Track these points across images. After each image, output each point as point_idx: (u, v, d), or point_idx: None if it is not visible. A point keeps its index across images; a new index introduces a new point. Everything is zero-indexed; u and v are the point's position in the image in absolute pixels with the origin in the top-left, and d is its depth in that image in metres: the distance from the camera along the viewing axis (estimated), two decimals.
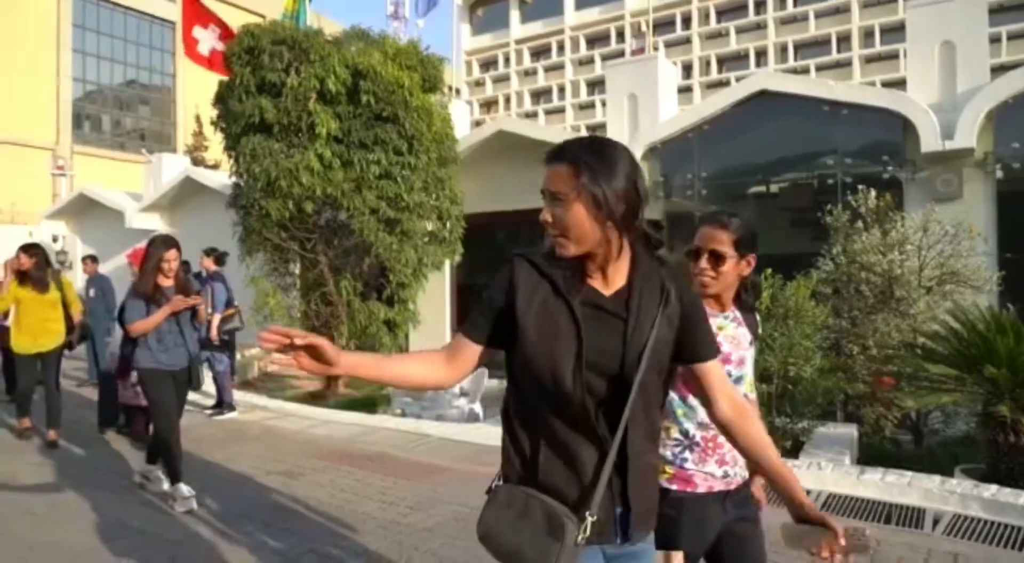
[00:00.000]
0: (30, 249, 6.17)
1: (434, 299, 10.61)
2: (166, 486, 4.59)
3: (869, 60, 25.56)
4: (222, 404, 7.63)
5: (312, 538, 3.90)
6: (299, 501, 4.57)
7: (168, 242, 4.55)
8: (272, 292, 8.94)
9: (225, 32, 10.55)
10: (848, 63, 25.22)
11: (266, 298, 8.66)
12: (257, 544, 3.82)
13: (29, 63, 32.21)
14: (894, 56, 24.53)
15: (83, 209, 17.61)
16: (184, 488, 4.38)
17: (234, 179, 8.89)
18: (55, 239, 18.67)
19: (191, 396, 8.78)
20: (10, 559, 3.64)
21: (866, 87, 9.35)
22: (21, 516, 4.30)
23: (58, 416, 6.17)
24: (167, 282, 4.52)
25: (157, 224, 15.58)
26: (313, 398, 8.92)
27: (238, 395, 8.18)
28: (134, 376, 6.20)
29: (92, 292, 8.97)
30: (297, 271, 9.67)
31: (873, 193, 6.25)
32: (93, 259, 9.48)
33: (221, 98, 8.61)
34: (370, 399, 8.78)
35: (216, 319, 7.44)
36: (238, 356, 9.27)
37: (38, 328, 6.15)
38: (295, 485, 4.95)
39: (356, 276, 8.84)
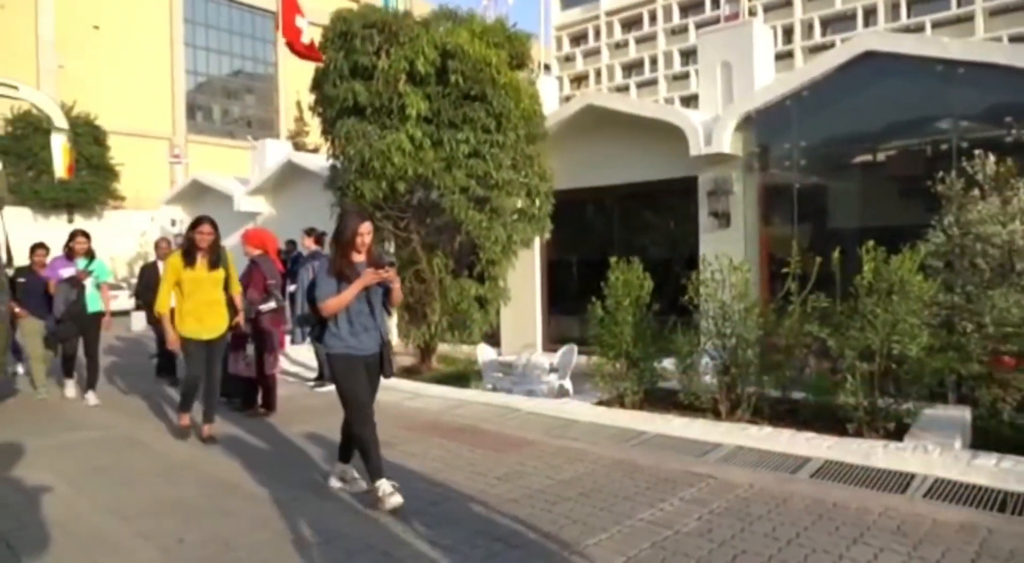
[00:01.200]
0: (205, 221, 5.55)
1: (524, 276, 10.69)
2: (365, 484, 4.25)
3: (994, 13, 23.40)
4: (323, 376, 8.00)
5: (405, 504, 4.06)
6: (392, 470, 4.74)
7: (362, 214, 4.08)
8: None
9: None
10: (970, 18, 23.22)
11: None
12: (350, 509, 4.01)
13: (146, 59, 34.47)
14: (1022, 7, 22.36)
15: (197, 194, 18.75)
16: (387, 484, 3.94)
17: (331, 161, 9.22)
18: (173, 223, 20.02)
19: (292, 367, 9.26)
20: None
21: (986, 43, 8.62)
22: (219, 516, 4.14)
23: (214, 409, 5.79)
24: (359, 257, 4.05)
25: (262, 207, 16.40)
26: (408, 373, 9.21)
27: None
28: (249, 349, 6.62)
29: None
30: (392, 250, 9.97)
31: (992, 158, 5.78)
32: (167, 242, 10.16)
33: (317, 83, 8.93)
34: (462, 374, 8.98)
35: None
36: None
37: (204, 310, 5.55)
38: (388, 455, 5.13)
39: (447, 254, 9.02)
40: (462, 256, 9.29)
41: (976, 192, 5.73)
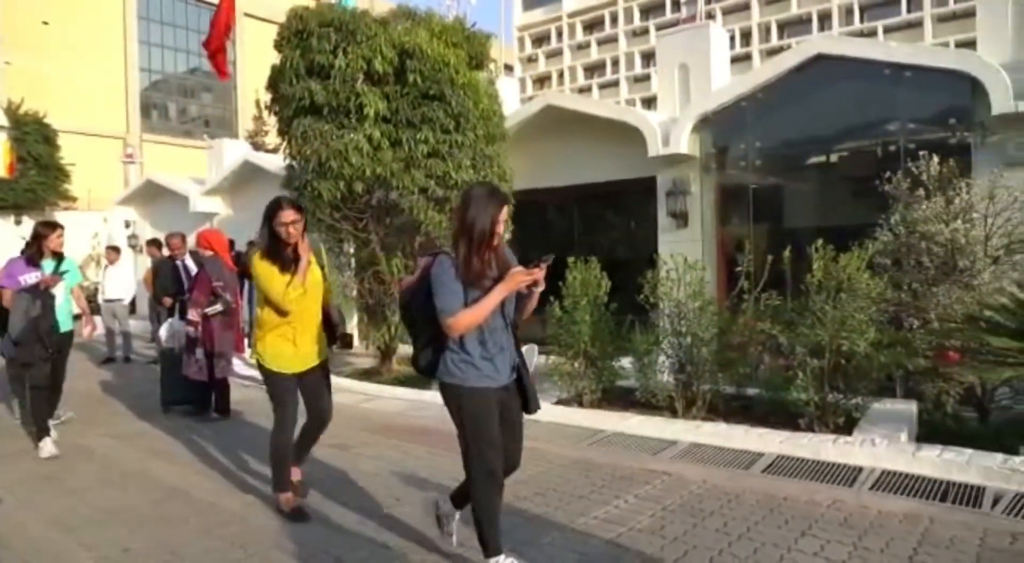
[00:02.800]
0: (288, 204, 3.84)
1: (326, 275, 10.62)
2: (455, 541, 3.39)
3: (942, 19, 24.17)
4: None
5: (357, 507, 4.02)
6: (345, 472, 4.71)
7: (499, 195, 2.92)
8: (327, 272, 9.07)
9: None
10: (919, 23, 23.95)
11: None
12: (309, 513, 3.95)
13: (99, 56, 33.58)
14: (969, 14, 23.14)
15: (151, 195, 18.33)
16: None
17: (288, 161, 9.09)
18: (127, 224, 19.54)
19: (249, 370, 9.13)
20: None
21: (931, 48, 8.87)
22: (166, 524, 4.31)
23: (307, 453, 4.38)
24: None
25: (219, 207, 16.11)
26: (368, 375, 9.12)
27: None
28: (200, 352, 6.46)
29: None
30: (351, 251, 9.86)
31: (936, 159, 5.95)
32: (156, 243, 9.89)
33: (273, 82, 8.78)
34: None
35: None
36: None
37: (300, 329, 3.90)
38: (345, 457, 5.10)
39: (407, 255, 8.95)
40: (421, 257, 9.22)
41: (921, 192, 5.89)
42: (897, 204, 6.05)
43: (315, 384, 4.04)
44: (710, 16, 23.85)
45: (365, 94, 7.97)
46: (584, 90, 30.67)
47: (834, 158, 8.58)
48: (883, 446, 4.66)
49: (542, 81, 34.24)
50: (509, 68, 25.96)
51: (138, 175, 25.83)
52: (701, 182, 9.01)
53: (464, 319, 2.79)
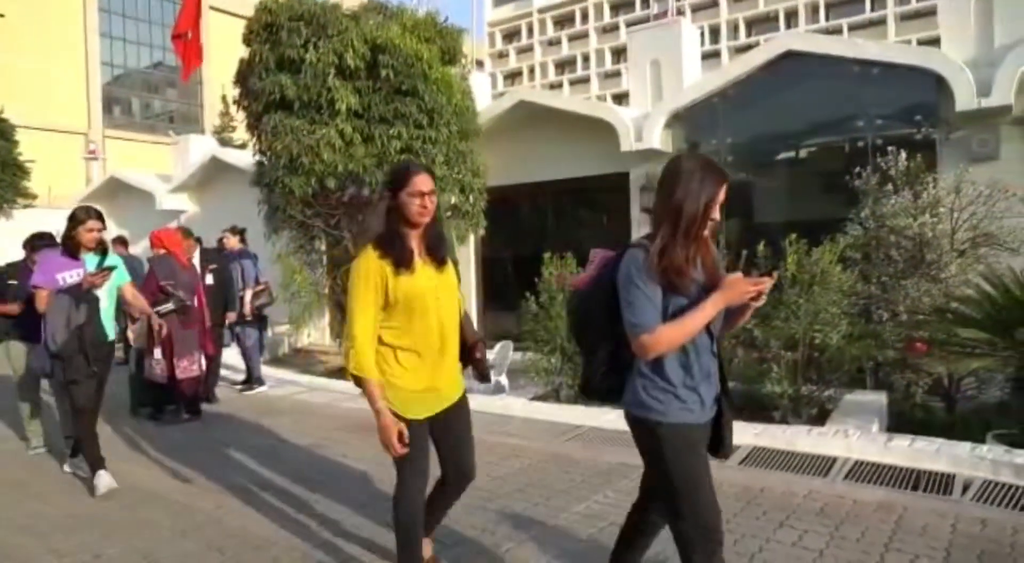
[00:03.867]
0: (419, 169, 2.70)
1: (461, 273, 10.62)
2: None
3: (904, 17, 24.69)
4: (251, 379, 7.77)
5: (336, 507, 3.97)
6: (324, 472, 4.65)
7: (720, 171, 2.24)
8: (299, 269, 9.02)
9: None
10: (882, 21, 24.43)
11: (293, 275, 8.76)
12: (283, 514, 3.90)
13: (59, 50, 32.72)
14: (931, 12, 23.69)
15: (115, 192, 17.92)
16: None
17: (258, 157, 8.94)
18: None
19: (220, 371, 8.98)
20: None
21: (897, 45, 9.03)
22: (139, 528, 4.20)
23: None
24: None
25: (186, 205, 15.81)
26: (342, 373, 9.03)
27: (269, 371, 8.32)
28: (158, 352, 6.22)
29: None
30: (323, 247, 9.76)
31: (904, 155, 6.07)
32: (122, 241, 9.67)
33: (242, 77, 8.62)
34: None
35: (248, 294, 7.61)
36: (268, 333, 9.41)
37: (435, 350, 2.75)
38: (321, 457, 5.04)
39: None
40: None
41: (890, 187, 6.00)
42: (866, 199, 6.16)
43: (456, 427, 2.87)
44: (680, 13, 24.03)
45: (337, 89, 7.87)
46: (555, 86, 30.73)
47: (804, 153, 8.70)
48: (856, 437, 4.74)
49: (513, 77, 34.22)
50: (480, 64, 25.88)
51: (101, 172, 25.26)
52: None
53: (665, 337, 2.09)
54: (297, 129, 7.93)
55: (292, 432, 5.79)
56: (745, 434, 5.03)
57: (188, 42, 12.04)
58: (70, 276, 4.38)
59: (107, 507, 4.10)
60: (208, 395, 6.97)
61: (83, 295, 4.35)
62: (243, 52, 8.66)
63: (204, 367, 6.43)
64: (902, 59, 7.48)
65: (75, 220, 4.41)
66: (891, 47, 8.42)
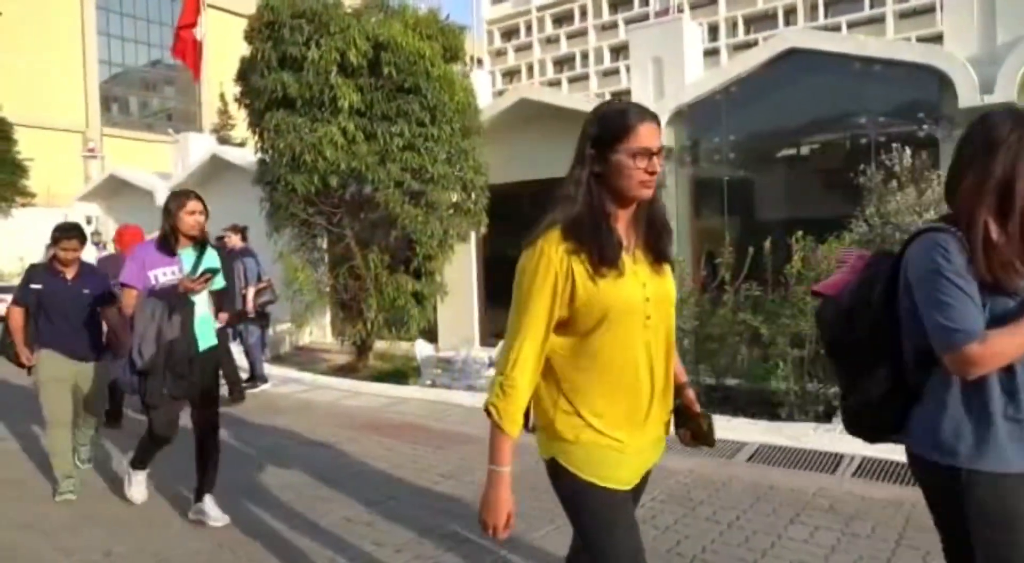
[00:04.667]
0: (649, 117, 1.74)
1: (460, 270, 10.62)
2: None
3: (903, 15, 24.71)
4: (254, 377, 7.75)
5: (345, 506, 3.97)
6: (331, 471, 4.65)
7: None
8: (301, 267, 9.02)
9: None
10: (881, 19, 24.44)
11: (295, 273, 8.75)
12: (292, 513, 3.89)
13: (57, 48, 32.63)
14: (930, 10, 23.71)
15: (114, 190, 17.90)
16: None
17: (259, 155, 8.93)
18: (88, 221, 19.05)
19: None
20: None
21: (900, 42, 9.04)
22: (148, 527, 4.21)
23: None
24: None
25: None
26: (344, 371, 9.03)
27: (270, 369, 8.31)
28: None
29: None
30: (325, 246, 9.74)
31: (908, 152, 6.06)
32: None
33: (243, 74, 8.61)
34: (400, 371, 8.87)
35: (251, 292, 7.57)
36: (270, 331, 9.39)
37: (643, 384, 1.76)
38: (327, 455, 5.03)
39: (383, 249, 8.87)
40: (398, 251, 9.15)
41: (894, 184, 6.00)
42: (871, 196, 6.16)
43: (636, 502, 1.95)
44: (679, 10, 24.05)
45: (339, 86, 7.86)
46: (553, 84, 30.66)
47: (806, 151, 8.70)
48: None
49: (511, 75, 34.17)
50: (479, 62, 25.82)
51: (100, 170, 25.21)
52: (676, 175, 9.07)
53: (998, 347, 1.50)
54: (299, 127, 7.93)
55: (296, 430, 5.78)
56: (752, 431, 5.04)
57: (189, 43, 12.01)
58: (164, 274, 3.64)
59: (113, 506, 4.09)
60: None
61: (178, 300, 3.53)
62: (241, 50, 8.65)
63: None
64: (905, 56, 7.48)
65: (175, 202, 3.66)
66: (894, 44, 8.43)
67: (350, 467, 4.71)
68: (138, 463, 4.06)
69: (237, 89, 8.92)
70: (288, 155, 7.95)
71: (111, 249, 11.86)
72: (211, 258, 3.79)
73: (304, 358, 10.40)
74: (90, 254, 15.94)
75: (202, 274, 3.59)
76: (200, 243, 3.76)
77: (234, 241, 7.92)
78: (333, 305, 9.98)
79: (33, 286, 4.34)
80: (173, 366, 3.50)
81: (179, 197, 3.68)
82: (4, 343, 4.53)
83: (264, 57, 8.04)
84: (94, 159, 27.38)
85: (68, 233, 4.30)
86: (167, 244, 3.66)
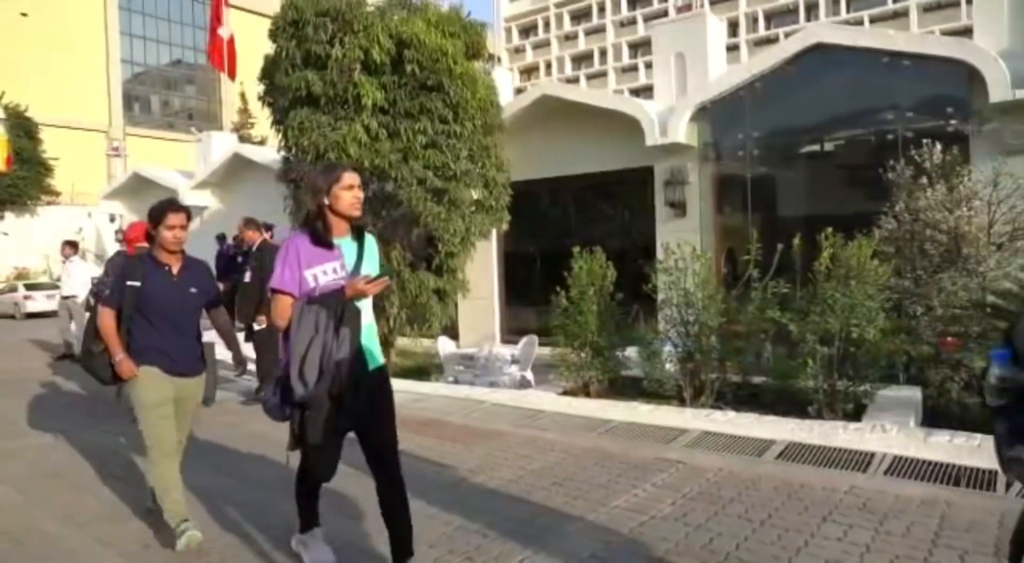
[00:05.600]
0: None
1: (482, 267, 10.64)
2: None
3: (927, 9, 24.32)
4: (263, 379, 7.78)
5: (374, 502, 3.98)
6: (356, 465, 4.66)
7: None
8: None
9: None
10: (905, 13, 24.09)
11: None
12: (326, 506, 3.91)
13: (80, 48, 33.07)
14: (954, 4, 23.33)
15: (138, 188, 18.11)
16: None
17: (283, 153, 8.99)
18: (112, 219, 19.32)
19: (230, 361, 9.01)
20: None
21: (929, 36, 8.91)
22: None
23: None
24: None
25: (209, 201, 15.95)
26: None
27: None
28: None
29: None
30: None
31: (939, 147, 5.99)
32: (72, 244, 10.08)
33: (267, 73, 8.67)
34: (421, 367, 8.91)
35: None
36: None
37: None
38: (351, 451, 5.05)
39: (405, 246, 8.90)
40: (420, 249, 9.18)
41: (924, 180, 5.93)
42: (900, 192, 6.09)
43: None
44: (700, 5, 23.84)
45: (363, 84, 7.90)
46: (572, 81, 30.53)
47: (831, 147, 8.62)
48: (894, 432, 4.69)
49: (529, 72, 34.11)
50: (497, 59, 25.82)
51: (123, 169, 25.51)
52: (699, 171, 9.02)
53: None
54: (323, 124, 7.97)
55: None
56: (780, 429, 5.01)
57: (219, 43, 12.09)
58: (323, 274, 2.74)
59: (149, 499, 4.14)
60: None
61: (344, 308, 2.64)
62: (260, 49, 8.71)
63: None
64: (934, 50, 7.39)
65: (326, 177, 2.76)
66: (923, 38, 8.31)
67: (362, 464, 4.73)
68: (305, 525, 3.23)
69: (260, 87, 8.99)
70: (312, 153, 7.99)
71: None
72: (373, 247, 2.90)
73: None
74: (88, 256, 16.12)
75: (379, 277, 2.68)
76: (358, 230, 2.86)
77: (251, 235, 7.43)
78: None
79: (132, 284, 3.41)
80: (340, 394, 2.67)
81: (331, 171, 2.79)
82: (90, 353, 3.56)
83: (288, 55, 8.09)
84: (118, 157, 27.72)
85: (175, 206, 3.46)
86: (321, 234, 2.75)
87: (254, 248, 7.00)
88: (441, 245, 8.72)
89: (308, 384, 2.60)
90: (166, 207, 3.48)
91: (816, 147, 8.73)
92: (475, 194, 9.02)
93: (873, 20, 23.17)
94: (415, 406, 6.53)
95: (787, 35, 15.53)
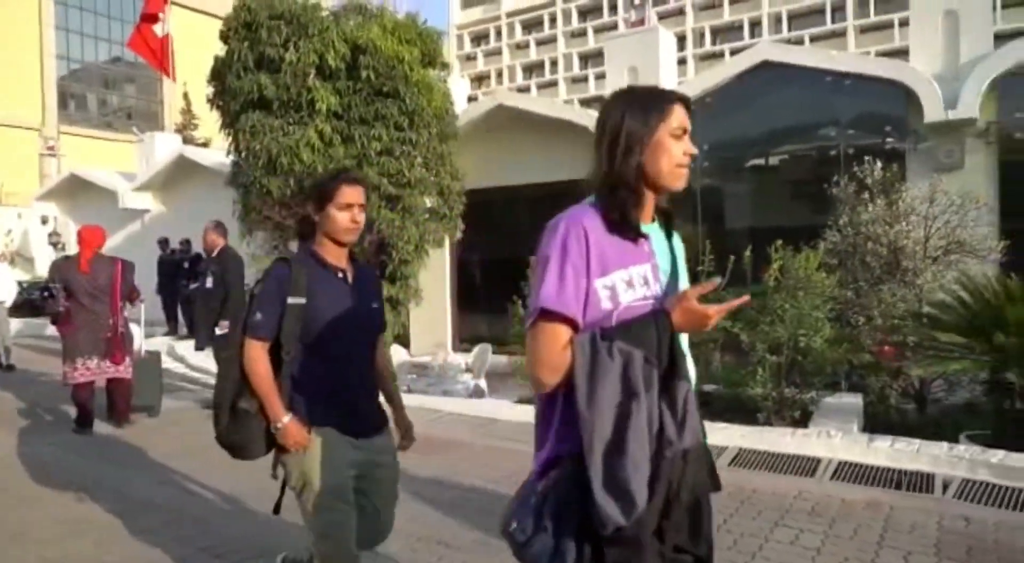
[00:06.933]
0: None
1: (435, 275, 10.60)
2: None
3: (864, 30, 25.40)
4: None
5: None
6: None
7: None
8: None
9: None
10: (843, 33, 25.10)
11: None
12: (280, 519, 3.85)
13: (12, 42, 31.64)
14: (889, 26, 24.42)
15: (74, 190, 17.44)
16: None
17: (232, 157, 8.81)
18: (44, 221, 18.51)
19: (182, 371, 8.75)
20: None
21: (869, 57, 9.31)
22: (140, 535, 4.29)
23: None
24: None
25: (150, 204, 15.47)
26: None
27: None
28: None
29: None
30: (295, 249, 9.63)
31: (879, 164, 6.27)
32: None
33: (218, 74, 8.48)
34: None
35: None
36: None
37: None
38: None
39: (358, 253, 8.80)
40: (372, 256, 9.10)
41: (865, 195, 6.19)
42: (843, 206, 6.34)
43: None
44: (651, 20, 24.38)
45: (317, 89, 7.81)
46: (523, 89, 30.72)
47: (777, 161, 8.91)
48: (838, 438, 4.87)
49: (481, 80, 34.20)
50: (445, 65, 25.73)
51: (58, 169, 24.51)
52: None
53: None
54: (276, 129, 7.84)
55: None
56: (731, 436, 5.14)
57: (153, 39, 11.76)
58: (627, 285, 1.51)
59: (99, 515, 3.99)
60: (120, 416, 6.21)
61: (675, 352, 1.48)
62: (208, 50, 8.53)
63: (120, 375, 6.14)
64: (873, 71, 7.72)
65: (655, 113, 1.57)
66: (863, 59, 8.69)
67: None
68: None
69: (209, 89, 8.79)
70: (264, 157, 7.85)
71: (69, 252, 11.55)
72: (679, 242, 1.74)
73: None
74: (44, 255, 15.46)
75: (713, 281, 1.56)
76: (664, 212, 1.69)
77: (216, 241, 6.95)
78: None
79: (294, 301, 2.26)
80: (675, 511, 1.47)
81: (658, 102, 1.59)
82: (234, 415, 2.31)
83: (240, 58, 7.93)
84: (52, 157, 26.63)
85: (350, 176, 2.41)
86: (628, 213, 1.55)
87: (214, 254, 6.70)
88: (395, 252, 8.67)
89: (634, 499, 1.34)
90: (339, 178, 2.38)
91: (763, 160, 9.01)
92: (429, 202, 8.99)
93: (813, 39, 24.05)
94: None
95: (732, 51, 15.98)
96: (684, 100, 1.62)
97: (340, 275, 2.38)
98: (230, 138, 8.55)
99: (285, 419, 2.24)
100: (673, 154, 1.55)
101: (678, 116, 1.57)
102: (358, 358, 2.40)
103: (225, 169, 9.50)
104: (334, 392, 2.32)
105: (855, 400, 5.97)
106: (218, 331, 6.39)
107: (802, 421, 5.34)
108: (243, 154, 8.34)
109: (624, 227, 1.53)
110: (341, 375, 2.33)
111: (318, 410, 2.30)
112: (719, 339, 6.04)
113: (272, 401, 2.24)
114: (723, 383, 5.97)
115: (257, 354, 2.26)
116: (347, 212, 2.32)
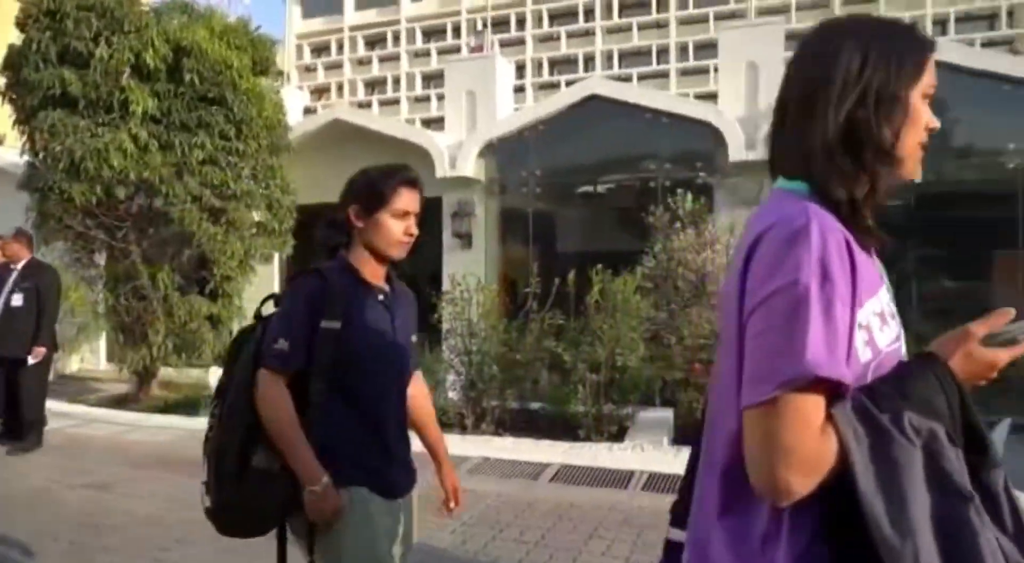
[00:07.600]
0: None
1: (263, 293, 10.06)
2: None
3: (684, 73, 27.75)
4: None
5: (132, 554, 3.60)
6: (113, 515, 4.19)
7: None
8: (74, 285, 8.10)
9: None
10: (666, 74, 27.23)
11: (67, 292, 7.80)
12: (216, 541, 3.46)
13: None
14: (705, 71, 26.91)
15: None
16: None
17: (27, 158, 7.90)
18: None
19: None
20: None
21: (684, 98, 10.15)
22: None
23: None
24: None
25: None
26: (121, 402, 8.18)
27: None
28: None
29: None
30: (103, 262, 8.78)
31: (689, 196, 6.84)
32: None
33: (12, 64, 7.60)
34: (191, 401, 8.19)
35: None
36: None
37: None
38: (107, 498, 4.53)
39: (174, 268, 8.21)
40: (191, 271, 8.52)
41: (678, 224, 6.72)
42: (658, 234, 6.84)
43: None
44: (491, 47, 24.98)
45: (132, 90, 7.23)
46: (364, 105, 30.18)
47: (603, 189, 9.47)
48: (650, 450, 5.21)
49: (320, 92, 33.31)
50: (286, 76, 24.83)
51: None
52: (486, 205, 9.41)
53: None
54: (81, 130, 7.15)
55: (68, 470, 5.14)
56: (554, 452, 5.33)
57: None
58: (879, 321, 0.96)
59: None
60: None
61: (951, 403, 0.92)
62: (5, 37, 7.65)
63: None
64: (686, 111, 8.46)
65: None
66: (678, 100, 9.46)
67: (135, 511, 4.28)
68: None
69: (1, 80, 7.85)
70: (66, 160, 7.11)
71: None
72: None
73: (73, 388, 9.25)
74: None
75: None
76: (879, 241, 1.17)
77: (20, 253, 5.93)
78: (111, 328, 9.00)
79: (328, 325, 1.76)
80: None
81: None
82: (239, 479, 1.74)
83: (41, 48, 7.18)
84: None
85: (408, 177, 1.90)
86: (866, 221, 0.99)
87: (18, 267, 5.83)
88: (216, 268, 8.16)
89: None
90: (396, 177, 1.88)
91: (591, 188, 9.53)
92: (257, 216, 8.58)
93: (641, 77, 25.80)
94: (184, 444, 5.98)
95: (568, 82, 16.82)
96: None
97: (380, 297, 1.90)
98: (24, 136, 7.68)
99: (325, 479, 1.68)
100: (920, 127, 1.02)
101: (932, 71, 1.03)
102: (393, 399, 1.92)
103: (17, 170, 8.50)
104: (365, 442, 1.81)
105: (666, 414, 6.41)
106: (31, 359, 5.64)
107: (619, 436, 5.65)
108: (40, 155, 7.52)
109: (871, 230, 0.98)
110: (374, 419, 1.83)
111: (347, 465, 1.75)
112: (545, 358, 6.26)
113: (305, 456, 1.69)
114: (548, 401, 6.17)
115: (278, 392, 1.71)
116: (403, 222, 1.86)
